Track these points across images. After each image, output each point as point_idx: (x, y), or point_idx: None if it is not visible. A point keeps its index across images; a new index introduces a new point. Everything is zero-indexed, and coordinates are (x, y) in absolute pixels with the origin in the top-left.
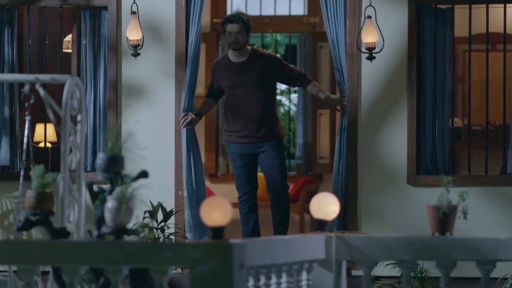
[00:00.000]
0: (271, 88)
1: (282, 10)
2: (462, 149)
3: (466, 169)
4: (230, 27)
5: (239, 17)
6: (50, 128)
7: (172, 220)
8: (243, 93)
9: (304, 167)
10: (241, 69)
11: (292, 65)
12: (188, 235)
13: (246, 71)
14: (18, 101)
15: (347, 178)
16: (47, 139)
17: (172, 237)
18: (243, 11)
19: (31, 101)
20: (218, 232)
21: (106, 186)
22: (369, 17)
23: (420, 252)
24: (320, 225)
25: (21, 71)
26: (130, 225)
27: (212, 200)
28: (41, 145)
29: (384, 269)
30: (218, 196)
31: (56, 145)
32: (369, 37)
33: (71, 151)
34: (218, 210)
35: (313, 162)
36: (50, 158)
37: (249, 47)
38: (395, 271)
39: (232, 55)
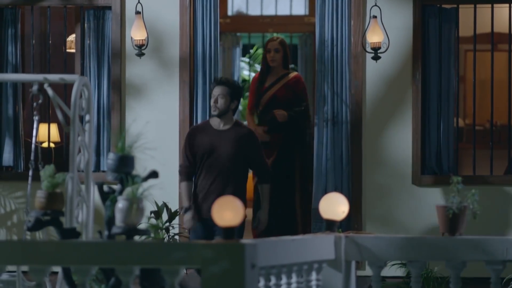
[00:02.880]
0: (243, 164)
1: (283, 10)
2: (464, 149)
3: (467, 169)
4: (214, 90)
5: (223, 81)
6: (54, 128)
7: (176, 220)
8: (214, 162)
9: None
10: (219, 136)
11: (265, 158)
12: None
13: (222, 140)
14: (21, 101)
15: (351, 178)
16: (50, 139)
17: (177, 237)
18: (244, 11)
19: (40, 101)
20: (229, 232)
21: (116, 187)
22: (375, 17)
23: (430, 252)
24: (329, 225)
25: (23, 71)
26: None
27: (224, 200)
28: (45, 145)
29: (389, 269)
30: (230, 197)
31: (59, 145)
32: (374, 37)
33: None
34: (230, 210)
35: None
36: (53, 158)
37: (234, 119)
38: (401, 272)
39: (213, 121)
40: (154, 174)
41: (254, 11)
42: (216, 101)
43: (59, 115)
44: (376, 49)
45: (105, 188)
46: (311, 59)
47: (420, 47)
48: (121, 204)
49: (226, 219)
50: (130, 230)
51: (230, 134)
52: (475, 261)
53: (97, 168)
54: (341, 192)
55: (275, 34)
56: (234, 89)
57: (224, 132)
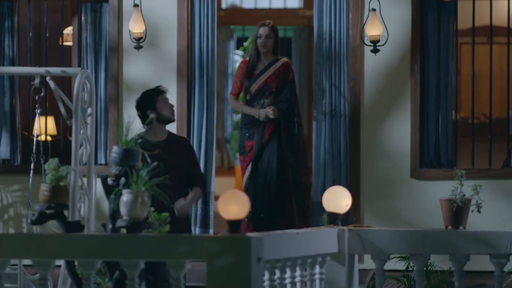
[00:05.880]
0: (182, 174)
1: (277, 3)
2: (459, 142)
3: (464, 162)
4: (166, 97)
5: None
6: (50, 121)
7: None
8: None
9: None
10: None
11: (199, 165)
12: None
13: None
14: (18, 94)
15: (350, 172)
16: (47, 132)
17: None
18: (238, 3)
19: (42, 94)
20: (235, 225)
21: (120, 180)
22: (374, 9)
23: (433, 246)
24: (332, 219)
25: (19, 64)
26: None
27: (230, 194)
28: (41, 138)
29: (389, 262)
30: (235, 190)
31: (56, 138)
32: (373, 30)
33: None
34: (236, 203)
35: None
36: (50, 151)
37: (167, 129)
38: (401, 265)
39: (146, 135)
40: (157, 168)
41: (248, 4)
42: (171, 107)
43: (61, 108)
44: (375, 42)
45: (109, 181)
46: (305, 52)
47: (418, 40)
48: (125, 197)
49: (231, 213)
50: (135, 224)
51: (169, 144)
52: (478, 255)
53: (95, 161)
54: (339, 185)
55: None
56: None
57: (163, 143)
